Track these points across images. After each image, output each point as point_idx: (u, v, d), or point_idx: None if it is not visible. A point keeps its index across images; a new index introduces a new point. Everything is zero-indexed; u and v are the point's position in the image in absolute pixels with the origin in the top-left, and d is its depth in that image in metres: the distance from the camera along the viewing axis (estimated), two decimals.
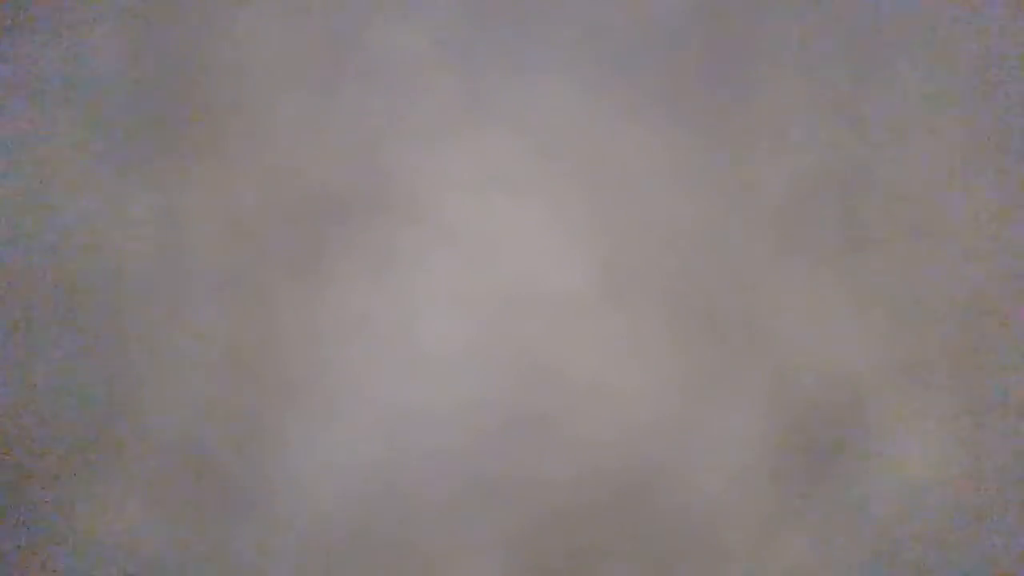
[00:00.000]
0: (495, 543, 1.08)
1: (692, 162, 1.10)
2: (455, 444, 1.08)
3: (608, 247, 1.09)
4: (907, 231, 1.10)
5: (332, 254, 1.09)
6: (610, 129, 1.10)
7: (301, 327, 1.08)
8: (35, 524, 1.08)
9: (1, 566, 1.08)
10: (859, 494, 1.08)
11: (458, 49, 1.10)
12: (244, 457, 1.08)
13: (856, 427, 1.09)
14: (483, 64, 1.10)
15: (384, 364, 1.08)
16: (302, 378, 1.08)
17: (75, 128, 1.10)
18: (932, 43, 1.11)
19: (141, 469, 1.08)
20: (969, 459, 1.09)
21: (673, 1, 1.10)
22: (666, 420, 1.08)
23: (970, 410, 1.09)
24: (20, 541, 1.08)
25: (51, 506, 1.08)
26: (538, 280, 1.09)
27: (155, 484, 1.08)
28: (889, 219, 1.10)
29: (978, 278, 1.10)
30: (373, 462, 1.08)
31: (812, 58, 1.10)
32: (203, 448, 1.08)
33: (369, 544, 1.08)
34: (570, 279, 1.09)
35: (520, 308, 1.09)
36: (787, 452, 1.09)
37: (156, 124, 1.10)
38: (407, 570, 1.08)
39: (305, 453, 1.08)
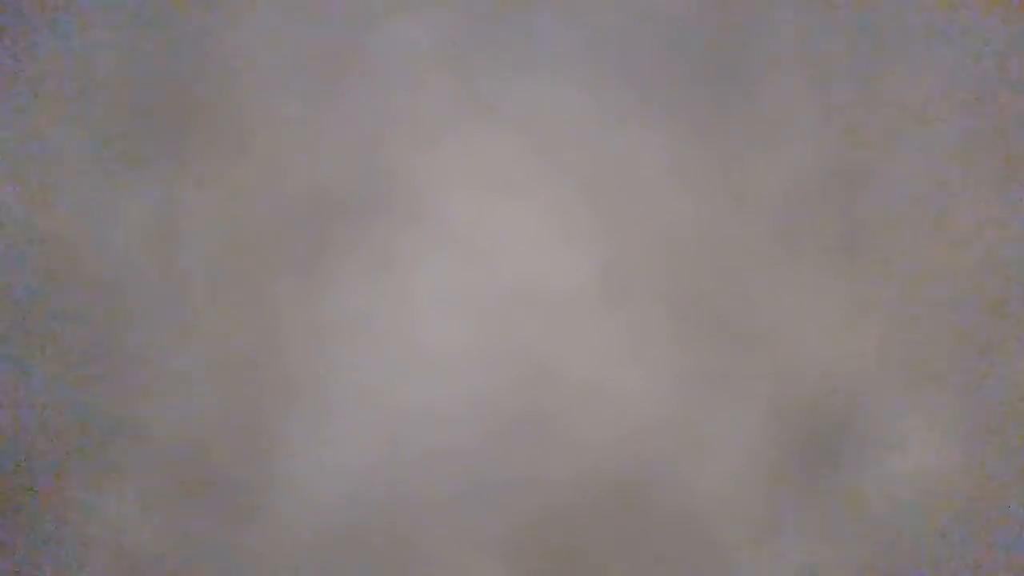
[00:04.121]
0: (495, 543, 1.08)
1: (692, 162, 1.10)
2: (455, 444, 1.08)
3: (608, 247, 1.09)
4: (907, 231, 1.10)
5: (332, 254, 1.09)
6: (610, 129, 1.10)
7: (301, 327, 1.08)
8: (34, 524, 1.08)
9: (1, 566, 1.08)
10: (859, 494, 1.08)
11: (458, 49, 1.10)
12: (244, 457, 1.08)
13: (856, 427, 1.09)
14: (483, 64, 1.10)
15: (384, 364, 1.08)
16: (302, 378, 1.08)
17: (75, 128, 1.10)
18: (931, 44, 1.11)
19: (141, 469, 1.08)
20: (969, 459, 1.09)
21: (674, 1, 1.10)
22: (666, 420, 1.08)
23: (970, 410, 1.09)
24: (19, 541, 1.08)
25: (51, 506, 1.08)
26: (538, 280, 1.09)
27: (155, 484, 1.08)
28: (889, 219, 1.10)
29: (978, 277, 1.10)
30: (373, 462, 1.08)
31: (812, 58, 1.10)
32: (203, 448, 1.08)
33: (369, 544, 1.08)
34: (570, 279, 1.09)
35: (520, 308, 1.09)
36: (787, 452, 1.09)
37: (156, 124, 1.10)
38: (407, 570, 1.08)
39: (305, 453, 1.08)
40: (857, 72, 1.10)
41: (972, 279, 1.10)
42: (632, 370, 1.09)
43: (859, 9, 1.10)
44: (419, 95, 1.10)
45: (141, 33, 1.10)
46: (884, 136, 1.10)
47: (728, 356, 1.09)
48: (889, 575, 1.09)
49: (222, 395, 1.08)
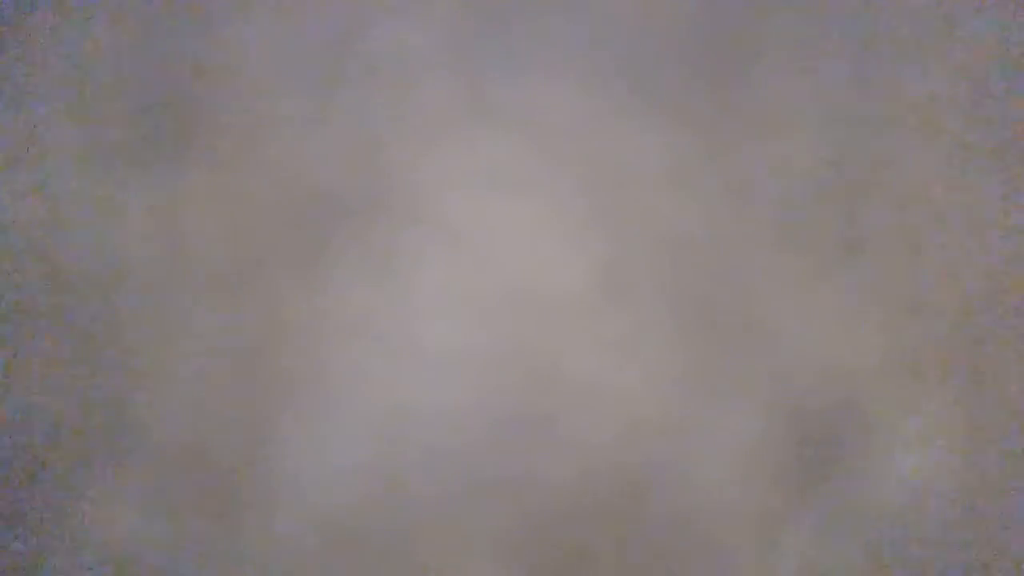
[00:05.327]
0: (494, 543, 1.08)
1: (692, 162, 1.10)
2: (455, 444, 1.08)
3: (608, 247, 1.09)
4: (907, 231, 1.10)
5: (332, 254, 1.09)
6: (610, 129, 1.10)
7: (301, 327, 1.08)
8: (34, 524, 1.08)
9: (1, 566, 1.08)
10: (859, 494, 1.08)
11: (458, 49, 1.10)
12: (244, 457, 1.08)
13: (856, 427, 1.09)
14: (484, 64, 1.10)
15: (384, 364, 1.08)
16: (302, 378, 1.08)
17: (75, 128, 1.10)
18: (932, 43, 1.11)
19: (141, 469, 1.08)
20: (969, 459, 1.09)
21: (674, 2, 1.10)
22: (666, 419, 1.08)
23: (969, 410, 1.09)
24: (20, 541, 1.08)
25: (51, 506, 1.08)
26: (538, 280, 1.09)
27: (155, 484, 1.08)
28: (889, 219, 1.10)
29: (978, 278, 1.10)
30: (373, 462, 1.08)
31: (812, 58, 1.10)
32: (203, 448, 1.08)
33: (368, 544, 1.08)
34: (570, 279, 1.09)
35: (520, 308, 1.09)
36: (787, 452, 1.09)
37: (156, 124, 1.10)
38: (406, 570, 1.08)
39: (305, 453, 1.08)
40: (857, 71, 1.10)
41: (972, 279, 1.10)
42: (632, 370, 1.09)
43: (859, 8, 1.10)
44: (419, 95, 1.10)
45: (141, 32, 1.10)
46: (883, 135, 1.10)
47: (728, 356, 1.09)
48: (889, 575, 1.09)
49: (222, 394, 1.08)
